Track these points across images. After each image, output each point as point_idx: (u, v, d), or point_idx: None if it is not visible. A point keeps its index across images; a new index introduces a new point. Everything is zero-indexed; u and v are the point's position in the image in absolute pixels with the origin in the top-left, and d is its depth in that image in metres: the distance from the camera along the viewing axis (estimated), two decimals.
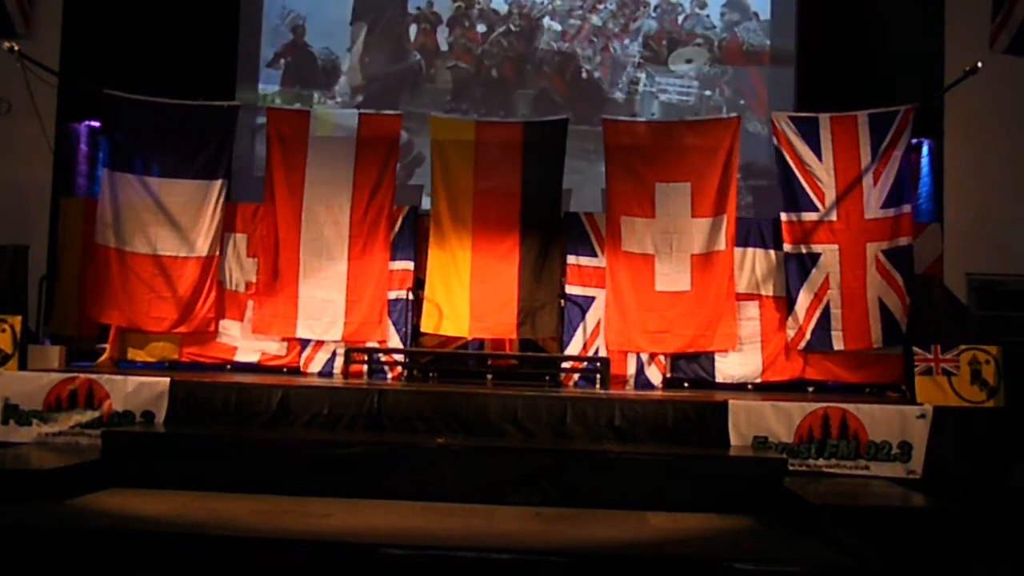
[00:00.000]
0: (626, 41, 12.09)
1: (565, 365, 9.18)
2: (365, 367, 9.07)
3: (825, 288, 8.90)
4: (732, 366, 9.06)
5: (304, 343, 9.27)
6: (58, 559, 4.98)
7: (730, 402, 7.25)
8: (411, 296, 9.31)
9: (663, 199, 9.21)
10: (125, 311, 9.16)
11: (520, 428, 7.20)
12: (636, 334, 9.10)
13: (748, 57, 12.03)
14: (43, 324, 9.30)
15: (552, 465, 6.44)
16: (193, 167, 9.32)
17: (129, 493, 6.15)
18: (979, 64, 8.37)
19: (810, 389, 8.89)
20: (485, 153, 9.39)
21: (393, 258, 9.35)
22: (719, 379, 9.04)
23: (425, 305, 9.20)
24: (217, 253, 9.31)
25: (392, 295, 9.30)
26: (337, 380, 8.80)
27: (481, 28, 12.19)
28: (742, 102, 11.90)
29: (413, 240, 9.45)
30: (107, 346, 9.17)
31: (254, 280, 9.36)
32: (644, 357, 9.16)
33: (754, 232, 9.25)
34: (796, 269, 8.99)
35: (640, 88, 12.02)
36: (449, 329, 9.21)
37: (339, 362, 9.18)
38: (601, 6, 12.13)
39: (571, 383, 8.98)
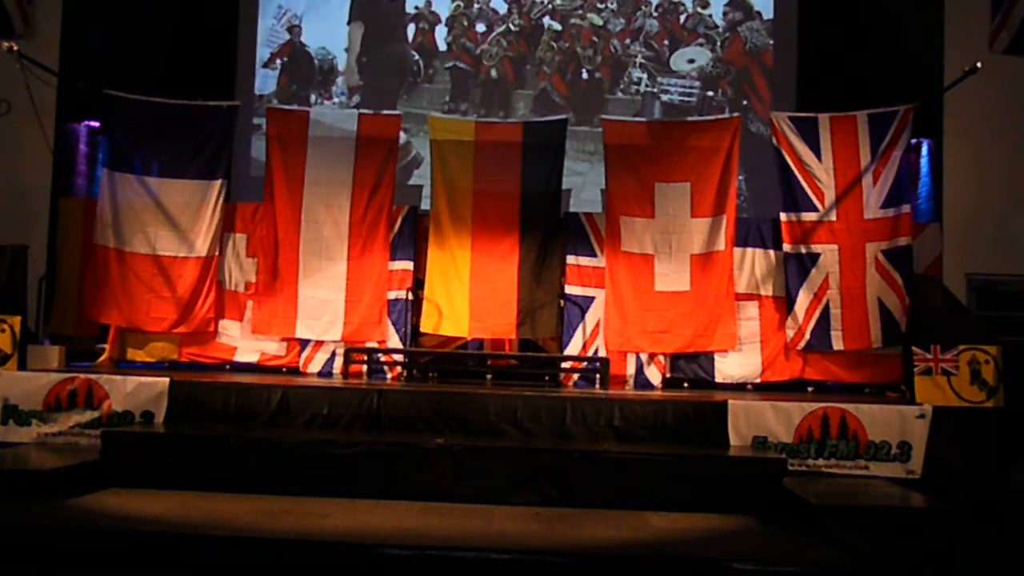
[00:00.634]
0: (627, 41, 12.03)
1: (565, 365, 9.18)
2: (365, 367, 9.07)
3: (825, 288, 8.91)
4: (732, 366, 9.06)
5: (304, 343, 9.27)
6: (58, 559, 4.97)
7: (730, 402, 7.25)
8: (411, 296, 9.31)
9: (663, 199, 9.22)
10: (124, 311, 9.16)
11: (520, 428, 7.19)
12: (635, 334, 9.10)
13: (751, 57, 11.96)
14: (43, 324, 9.31)
15: (552, 465, 6.43)
16: (193, 167, 9.32)
17: (128, 493, 6.15)
18: (979, 64, 8.38)
19: (810, 389, 8.90)
20: (485, 153, 9.39)
21: (393, 258, 9.35)
22: (719, 379, 9.05)
23: (425, 305, 9.20)
24: (217, 253, 9.31)
25: (392, 295, 9.30)
26: (337, 380, 8.80)
27: (480, 28, 12.13)
28: (745, 102, 11.83)
29: (413, 240, 9.45)
30: (106, 346, 9.17)
31: (254, 280, 9.36)
32: (644, 357, 9.16)
33: (754, 232, 9.26)
34: (796, 269, 8.99)
35: (642, 88, 11.94)
36: (449, 329, 9.21)
37: (339, 362, 9.18)
38: (602, 5, 12.07)
39: (571, 383, 8.98)
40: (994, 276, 9.45)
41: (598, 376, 8.84)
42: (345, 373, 8.95)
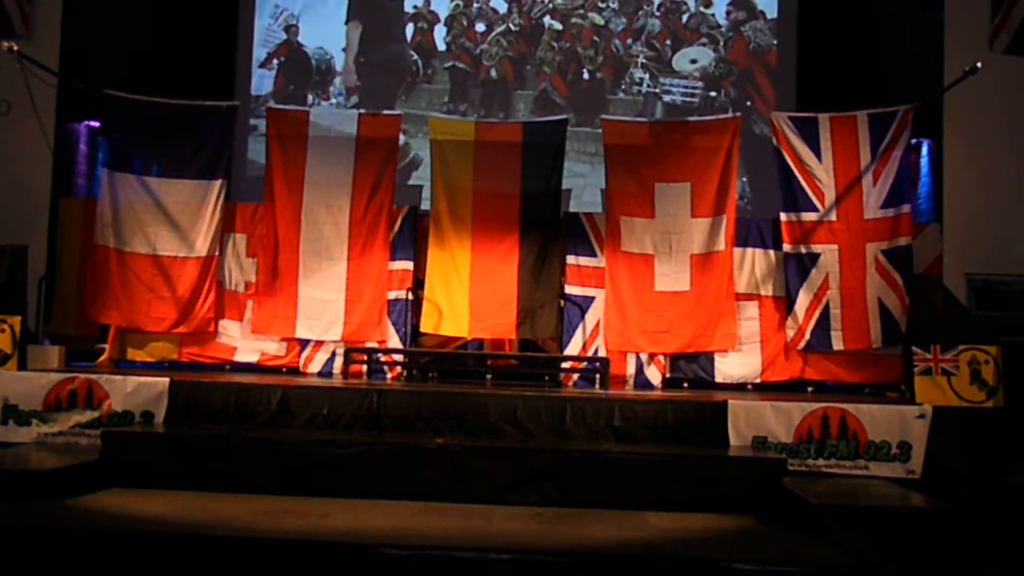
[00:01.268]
0: (629, 41, 11.94)
1: (564, 365, 9.18)
2: (364, 367, 9.07)
3: (825, 288, 8.91)
4: (731, 366, 9.06)
5: (303, 343, 9.27)
6: (58, 559, 4.98)
7: (729, 402, 7.25)
8: (410, 296, 9.31)
9: (663, 199, 9.22)
10: (124, 311, 9.16)
11: (519, 428, 7.19)
12: (635, 334, 9.10)
13: (754, 57, 11.87)
14: (42, 324, 9.31)
15: (552, 465, 6.43)
16: (192, 167, 9.32)
17: (128, 493, 6.15)
18: (979, 64, 8.37)
19: (810, 389, 8.90)
20: (484, 153, 9.39)
21: (392, 258, 9.35)
22: (718, 379, 9.05)
23: (424, 305, 9.20)
24: (216, 253, 9.31)
25: (392, 295, 9.30)
26: (336, 380, 8.80)
27: (480, 27, 12.06)
28: (748, 103, 11.74)
29: (413, 240, 9.45)
30: (106, 346, 9.18)
31: (253, 280, 9.36)
32: (643, 357, 9.16)
33: (754, 232, 9.26)
34: (795, 269, 8.99)
35: (643, 89, 11.85)
36: (448, 329, 9.21)
37: (338, 362, 9.18)
38: (603, 5, 11.99)
39: (570, 383, 8.98)
40: (994, 276, 9.44)
41: (598, 376, 8.84)
42: (345, 373, 8.95)
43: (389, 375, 9.18)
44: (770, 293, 9.14)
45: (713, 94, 11.82)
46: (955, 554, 5.41)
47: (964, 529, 5.54)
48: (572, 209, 10.50)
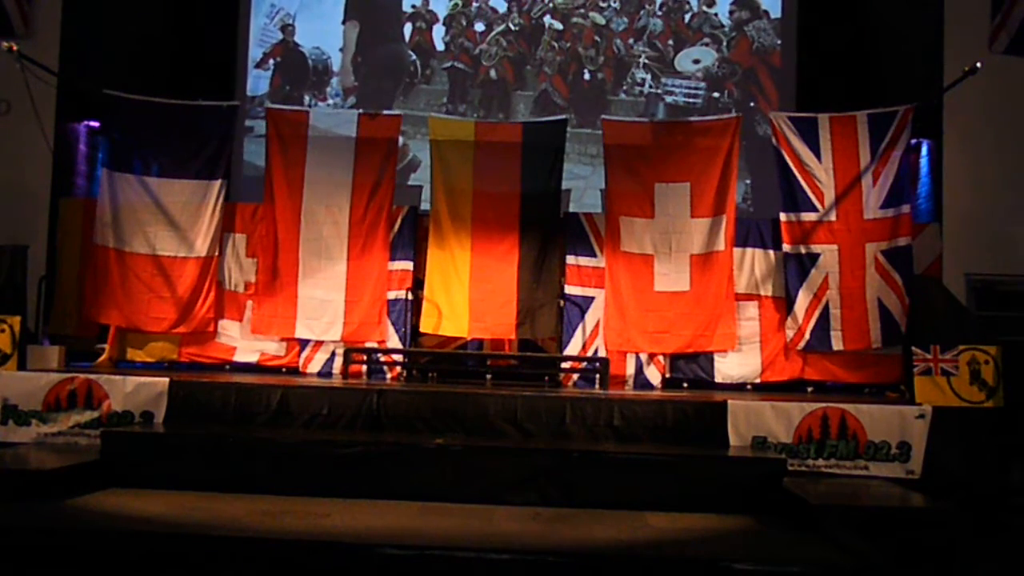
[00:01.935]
0: (630, 40, 11.88)
1: (564, 365, 9.18)
2: (364, 367, 9.07)
3: (824, 288, 8.91)
4: (731, 366, 9.06)
5: (303, 343, 9.28)
6: (58, 559, 4.97)
7: (729, 402, 7.25)
8: (410, 296, 9.31)
9: (662, 199, 9.22)
10: (124, 311, 9.16)
11: (519, 428, 7.19)
12: (635, 334, 9.10)
13: (758, 57, 11.80)
14: (42, 324, 9.30)
15: (551, 465, 6.44)
16: (192, 167, 9.32)
17: (128, 493, 6.15)
18: (978, 64, 8.37)
19: (809, 389, 8.90)
20: (484, 153, 9.39)
21: (392, 258, 9.35)
22: (718, 379, 9.05)
23: (424, 305, 9.20)
24: (216, 253, 9.31)
25: (391, 295, 9.30)
26: (336, 380, 8.79)
27: (479, 27, 12.02)
28: (752, 104, 11.68)
29: (412, 240, 9.45)
30: (106, 346, 9.18)
31: (253, 280, 9.36)
32: (643, 357, 9.16)
33: (753, 232, 9.26)
34: (795, 269, 8.99)
35: (645, 90, 11.78)
36: (448, 329, 9.21)
37: (338, 362, 9.18)
38: (604, 4, 11.92)
39: (570, 383, 8.98)
40: (994, 276, 9.45)
41: (598, 376, 8.84)
42: (345, 373, 8.95)
43: (389, 375, 9.18)
44: (770, 293, 9.14)
45: (716, 95, 11.75)
46: (955, 554, 5.41)
47: (964, 529, 5.54)
48: (573, 210, 10.49)
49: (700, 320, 9.03)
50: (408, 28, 12.07)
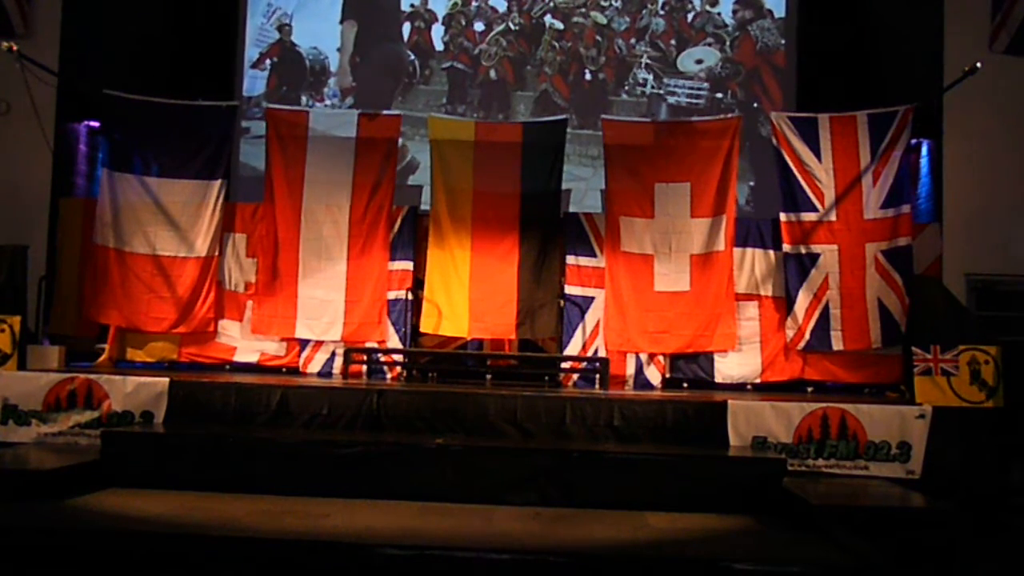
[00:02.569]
0: (632, 40, 11.79)
1: (564, 365, 9.18)
2: (364, 367, 9.07)
3: (824, 288, 8.91)
4: (731, 366, 9.06)
5: (303, 343, 9.28)
6: (58, 559, 4.98)
7: (729, 402, 7.25)
8: (410, 296, 9.31)
9: (662, 199, 9.22)
10: (124, 311, 9.17)
11: (519, 428, 7.19)
12: (635, 334, 9.10)
13: (762, 57, 11.70)
14: (42, 324, 9.30)
15: (551, 465, 6.44)
16: (192, 167, 9.32)
17: (128, 493, 6.15)
18: (979, 64, 8.37)
19: (809, 389, 8.90)
20: (484, 153, 9.39)
21: (392, 258, 9.35)
22: (718, 379, 9.05)
23: (424, 305, 9.20)
24: (216, 253, 9.31)
25: (391, 295, 9.30)
26: (336, 380, 8.79)
27: (479, 26, 11.94)
28: (755, 105, 11.58)
29: (412, 240, 9.45)
30: (106, 346, 9.18)
31: (253, 280, 9.36)
32: (643, 357, 9.16)
33: (753, 232, 9.26)
34: (795, 269, 8.99)
35: (647, 90, 11.68)
36: (448, 329, 9.21)
37: (338, 362, 9.18)
38: (606, 3, 11.83)
39: (570, 383, 8.98)
40: (994, 276, 9.46)
41: (598, 376, 8.84)
42: (345, 373, 8.95)
43: (389, 375, 9.18)
44: (770, 293, 9.14)
45: (719, 95, 11.65)
46: (955, 554, 5.41)
47: (964, 529, 5.54)
48: (573, 211, 10.47)
49: (700, 320, 9.03)
50: (407, 27, 11.98)
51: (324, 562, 4.96)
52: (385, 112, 9.98)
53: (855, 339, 8.83)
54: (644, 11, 11.85)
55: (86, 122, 10.38)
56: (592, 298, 9.25)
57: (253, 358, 9.29)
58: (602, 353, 9.12)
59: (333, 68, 11.97)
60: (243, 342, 9.34)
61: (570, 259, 9.30)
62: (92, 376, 7.53)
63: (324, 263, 9.30)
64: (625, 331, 9.11)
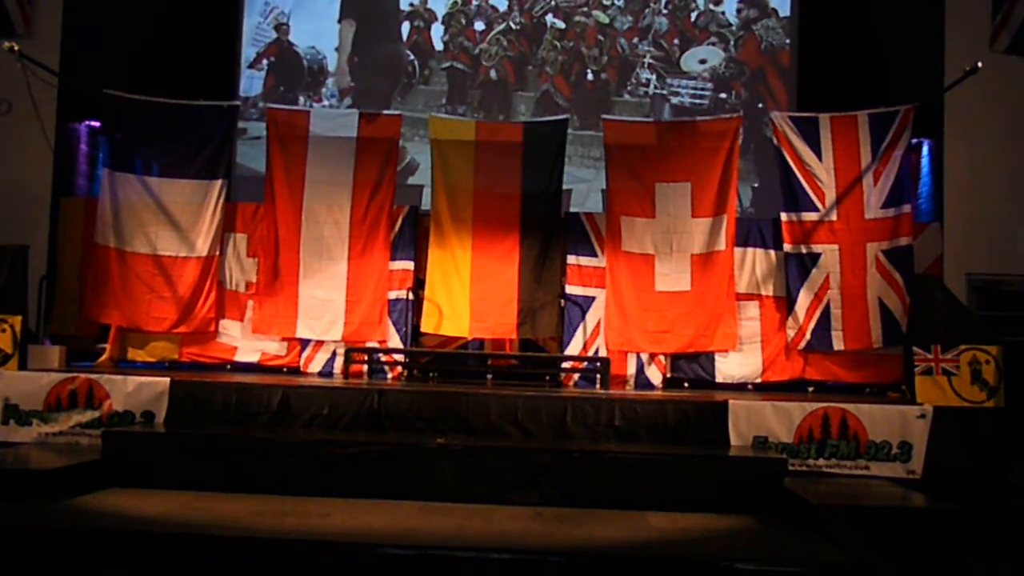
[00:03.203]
0: (635, 40, 11.70)
1: (565, 365, 9.18)
2: (365, 367, 9.07)
3: (825, 288, 8.91)
4: (732, 366, 9.06)
5: (304, 343, 9.27)
6: (58, 559, 4.98)
7: (730, 402, 7.25)
8: (411, 296, 9.31)
9: (663, 199, 9.22)
10: (125, 311, 9.17)
11: (520, 428, 7.20)
12: (636, 334, 9.10)
13: (766, 57, 11.63)
14: (43, 324, 9.31)
15: (552, 465, 6.44)
16: (193, 167, 9.32)
17: (129, 493, 6.15)
18: (979, 64, 8.36)
19: (810, 389, 8.89)
20: (485, 153, 9.39)
21: (393, 258, 9.35)
22: (719, 379, 9.05)
23: (425, 305, 9.20)
24: (217, 253, 9.31)
25: (392, 295, 9.30)
26: (337, 380, 8.79)
27: (479, 26, 11.86)
28: (760, 105, 11.46)
29: (413, 240, 9.45)
30: (107, 346, 9.18)
31: (254, 280, 9.36)
32: (644, 357, 9.16)
33: (754, 232, 9.26)
34: (796, 269, 8.99)
35: (650, 90, 11.61)
36: (449, 329, 9.21)
37: (339, 362, 9.18)
38: (608, 2, 11.75)
39: (571, 383, 8.98)
40: (994, 276, 9.45)
41: (598, 376, 8.84)
42: (345, 373, 8.95)
43: (390, 375, 9.18)
44: (771, 293, 9.14)
45: (723, 96, 11.56)
46: (955, 554, 5.41)
47: (964, 529, 5.53)
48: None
49: (701, 320, 9.03)
50: (406, 27, 11.90)
51: (325, 562, 4.96)
52: (385, 112, 9.98)
53: (856, 339, 8.83)
54: (647, 10, 11.75)
55: (87, 122, 10.39)
56: (593, 298, 9.25)
57: (254, 358, 9.29)
58: (603, 353, 9.12)
59: (331, 68, 11.90)
60: (244, 342, 9.34)
61: (571, 259, 9.30)
62: (93, 376, 7.53)
63: (325, 263, 9.30)
64: (626, 331, 9.11)
